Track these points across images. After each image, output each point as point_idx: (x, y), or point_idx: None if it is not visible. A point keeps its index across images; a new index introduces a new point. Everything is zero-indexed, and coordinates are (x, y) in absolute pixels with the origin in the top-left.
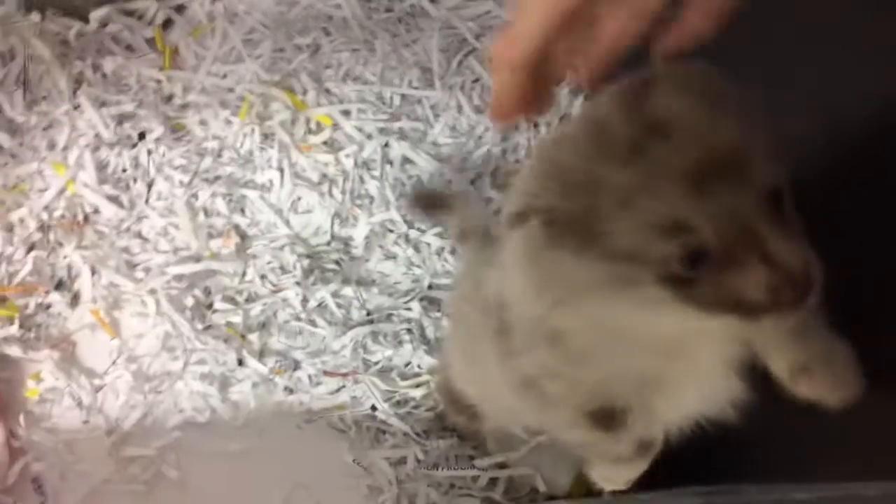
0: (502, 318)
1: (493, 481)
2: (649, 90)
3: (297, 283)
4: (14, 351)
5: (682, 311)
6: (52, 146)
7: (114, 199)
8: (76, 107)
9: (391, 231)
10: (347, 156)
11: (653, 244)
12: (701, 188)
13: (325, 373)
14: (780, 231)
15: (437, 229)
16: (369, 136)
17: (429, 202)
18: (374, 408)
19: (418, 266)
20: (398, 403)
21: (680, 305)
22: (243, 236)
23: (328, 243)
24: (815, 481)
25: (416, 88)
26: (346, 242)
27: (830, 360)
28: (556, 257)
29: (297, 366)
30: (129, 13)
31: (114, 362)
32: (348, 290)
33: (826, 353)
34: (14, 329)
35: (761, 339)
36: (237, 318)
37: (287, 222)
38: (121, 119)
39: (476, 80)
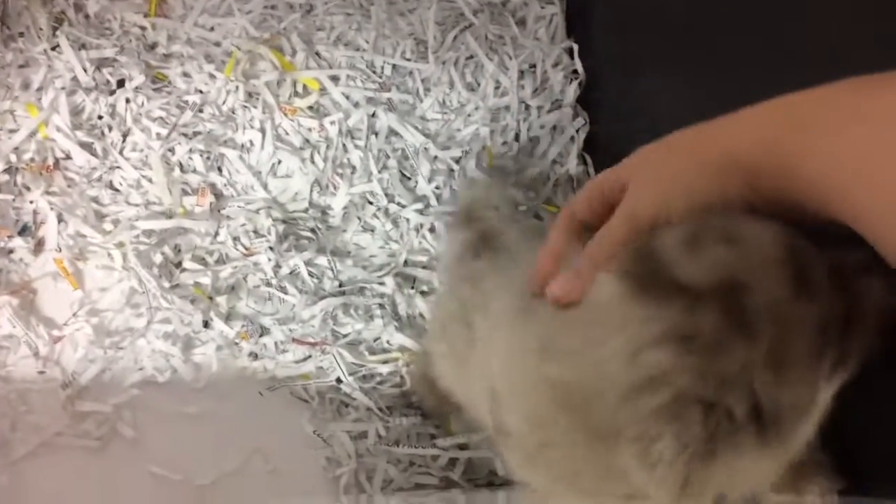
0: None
1: (452, 462)
2: None
3: (271, 249)
4: None
5: None
6: (26, 86)
7: (87, 147)
8: (54, 47)
9: (371, 203)
10: (332, 122)
11: None
12: None
13: (295, 340)
14: None
15: (418, 205)
16: (356, 105)
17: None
18: (339, 380)
19: (395, 241)
20: (364, 378)
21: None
22: (218, 196)
23: (305, 210)
24: None
25: (408, 60)
26: (324, 211)
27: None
28: None
29: (263, 332)
30: None
31: (74, 314)
32: (322, 260)
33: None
34: None
35: None
36: (206, 280)
37: (265, 185)
38: (100, 64)
39: (470, 57)
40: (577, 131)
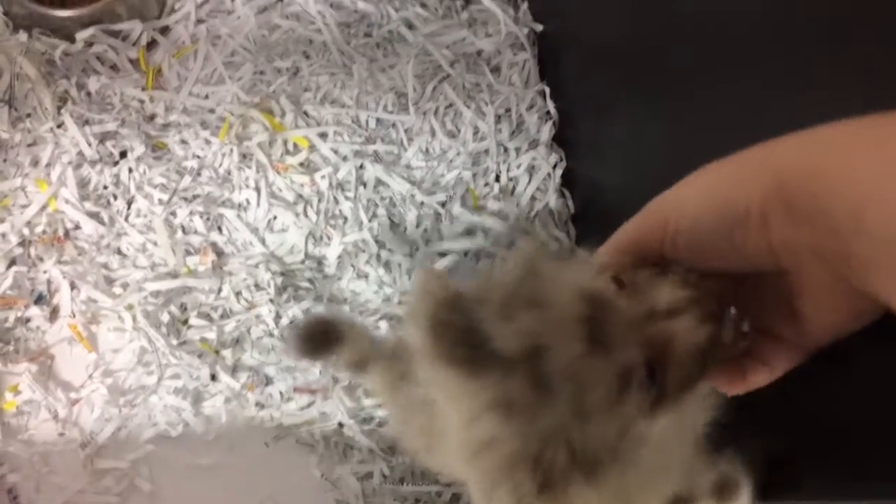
0: None
1: (456, 497)
2: None
3: (271, 301)
4: None
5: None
6: (35, 163)
7: (94, 216)
8: (60, 125)
9: (363, 251)
10: (323, 177)
11: None
12: None
13: (296, 389)
14: None
15: (406, 248)
16: (344, 158)
17: (320, 336)
18: (341, 424)
19: (389, 285)
20: (364, 420)
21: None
22: (220, 254)
23: (302, 262)
24: None
25: (391, 112)
26: (320, 261)
27: None
28: None
29: (268, 381)
30: (115, 34)
31: (90, 376)
32: (320, 308)
33: None
34: None
35: None
36: (211, 334)
37: (263, 241)
38: (103, 137)
39: (449, 106)
40: (554, 168)
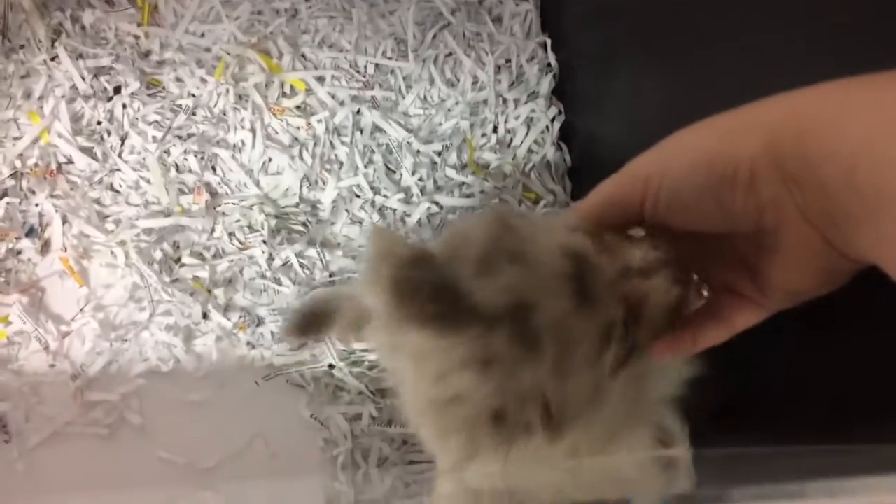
0: None
1: None
2: None
3: (264, 242)
4: None
5: None
6: (27, 95)
7: (87, 151)
8: (53, 58)
9: (358, 196)
10: (319, 121)
11: None
12: None
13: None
14: None
15: (401, 195)
16: (342, 103)
17: (311, 321)
18: (331, 366)
19: None
20: (354, 363)
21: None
22: (213, 194)
23: (296, 205)
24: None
25: (390, 59)
26: (314, 205)
27: None
28: None
29: (260, 322)
30: None
31: (81, 310)
32: (312, 252)
33: None
34: None
35: None
36: (204, 273)
37: (257, 182)
38: (97, 72)
39: (449, 55)
40: (552, 121)
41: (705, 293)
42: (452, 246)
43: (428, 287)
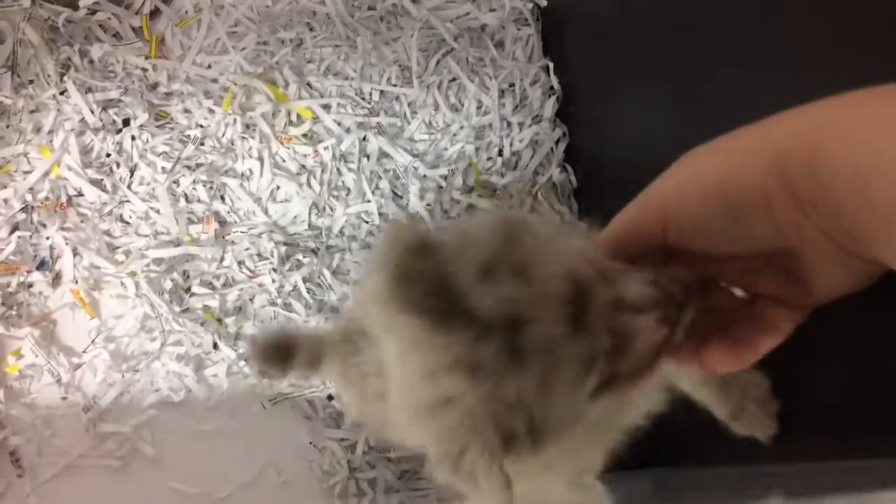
0: None
1: None
2: None
3: (274, 270)
4: None
5: None
6: (38, 129)
7: (97, 183)
8: (62, 91)
9: (366, 222)
10: (326, 148)
11: None
12: None
13: None
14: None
15: (409, 222)
16: (348, 130)
17: (277, 350)
18: (330, 397)
19: None
20: None
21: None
22: (222, 223)
23: (306, 231)
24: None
25: (394, 85)
26: (323, 232)
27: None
28: None
29: None
30: (118, 1)
31: (93, 341)
32: (322, 278)
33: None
34: None
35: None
36: (214, 303)
37: (265, 210)
38: (106, 105)
39: (453, 80)
40: (557, 143)
41: (739, 293)
42: (459, 243)
43: (427, 279)
